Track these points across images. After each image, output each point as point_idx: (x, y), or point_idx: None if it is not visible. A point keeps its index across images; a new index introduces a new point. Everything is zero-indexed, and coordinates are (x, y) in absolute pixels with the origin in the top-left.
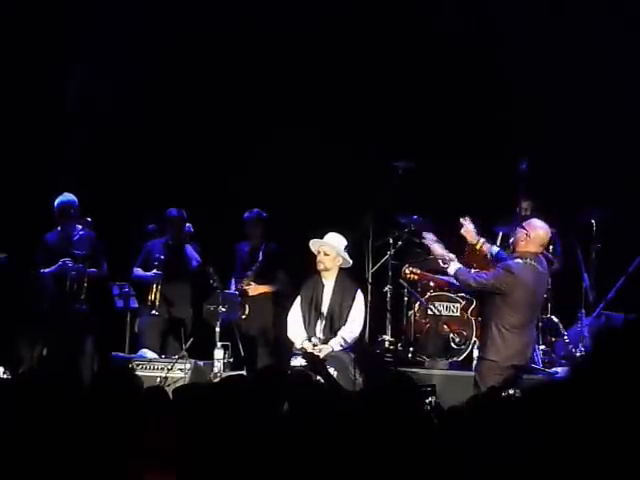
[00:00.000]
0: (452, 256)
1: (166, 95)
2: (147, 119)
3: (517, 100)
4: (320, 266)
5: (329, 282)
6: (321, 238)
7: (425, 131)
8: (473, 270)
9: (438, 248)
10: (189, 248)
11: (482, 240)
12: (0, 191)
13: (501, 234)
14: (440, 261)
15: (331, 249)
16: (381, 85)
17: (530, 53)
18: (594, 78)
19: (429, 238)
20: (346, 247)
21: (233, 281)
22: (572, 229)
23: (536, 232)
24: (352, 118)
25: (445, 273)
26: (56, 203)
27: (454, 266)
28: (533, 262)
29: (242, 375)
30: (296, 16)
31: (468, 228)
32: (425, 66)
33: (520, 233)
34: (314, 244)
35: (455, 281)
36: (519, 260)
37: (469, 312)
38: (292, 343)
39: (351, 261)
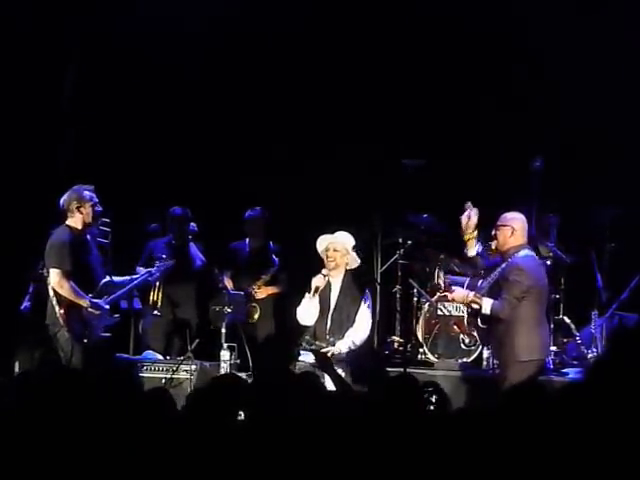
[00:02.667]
0: (478, 296)
1: (169, 94)
2: (150, 118)
3: (532, 97)
4: (331, 264)
5: (336, 282)
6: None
7: (435, 129)
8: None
9: (460, 295)
10: (193, 247)
11: (471, 294)
12: (4, 189)
13: None
14: (473, 305)
15: (340, 245)
16: (391, 82)
17: (544, 49)
18: (610, 73)
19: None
20: (354, 247)
21: (224, 279)
22: (585, 228)
23: (518, 223)
24: (361, 116)
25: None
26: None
27: (487, 304)
28: (532, 252)
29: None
30: (303, 14)
31: (455, 295)
32: (434, 62)
33: (503, 231)
34: (323, 240)
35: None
36: (525, 252)
37: None
38: (301, 338)
39: (359, 260)
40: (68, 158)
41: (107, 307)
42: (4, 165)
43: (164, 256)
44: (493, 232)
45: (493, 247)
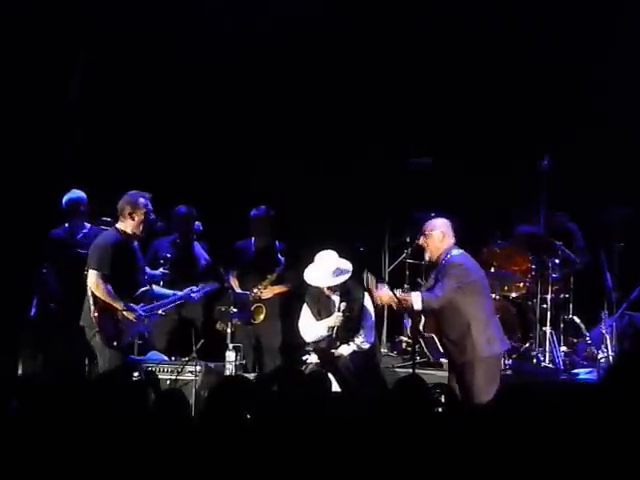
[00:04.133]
0: (405, 295)
1: (174, 94)
2: (155, 117)
3: (539, 95)
4: (329, 292)
5: (334, 294)
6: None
7: (443, 128)
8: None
9: (387, 296)
10: (198, 247)
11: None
12: (6, 187)
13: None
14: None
15: (332, 282)
16: (398, 82)
17: (550, 47)
18: (618, 72)
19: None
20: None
21: (230, 278)
22: (594, 228)
23: (444, 226)
24: (368, 115)
25: None
26: (64, 200)
27: (416, 299)
28: (461, 249)
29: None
30: (312, 14)
31: (382, 295)
32: (441, 62)
33: (433, 237)
34: (310, 281)
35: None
36: (457, 251)
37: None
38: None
39: (350, 266)
40: (74, 157)
41: (142, 313)
42: (9, 166)
43: (169, 255)
44: (421, 242)
45: (427, 258)
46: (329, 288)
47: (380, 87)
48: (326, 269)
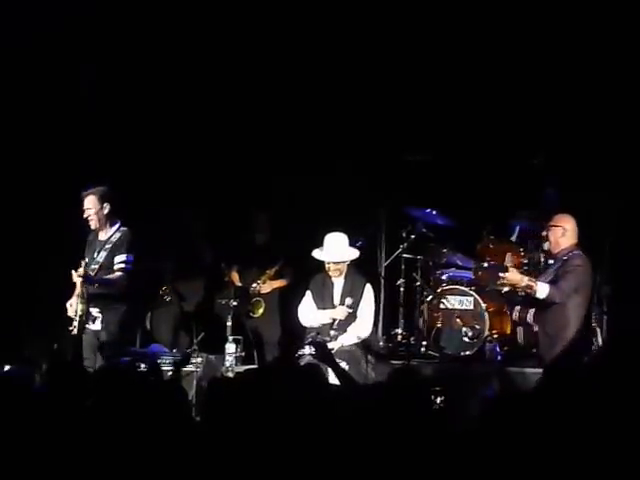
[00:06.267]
0: (532, 280)
1: (174, 92)
2: (156, 115)
3: (534, 92)
4: (335, 274)
5: (338, 280)
6: (323, 236)
7: (441, 124)
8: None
9: (515, 277)
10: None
11: (525, 279)
12: (8, 186)
13: (518, 229)
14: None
15: (339, 259)
16: (395, 77)
17: (551, 42)
18: (614, 68)
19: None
20: (352, 242)
21: (231, 273)
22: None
23: (569, 223)
24: (366, 110)
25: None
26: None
27: (543, 288)
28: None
29: (256, 369)
30: (314, 6)
31: (509, 277)
32: (440, 57)
33: (555, 232)
34: (318, 256)
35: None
36: (577, 252)
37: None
38: (305, 331)
39: (358, 252)
40: (75, 157)
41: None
42: (12, 165)
43: None
44: (544, 233)
45: (546, 248)
46: (336, 268)
47: (377, 82)
48: (339, 245)
